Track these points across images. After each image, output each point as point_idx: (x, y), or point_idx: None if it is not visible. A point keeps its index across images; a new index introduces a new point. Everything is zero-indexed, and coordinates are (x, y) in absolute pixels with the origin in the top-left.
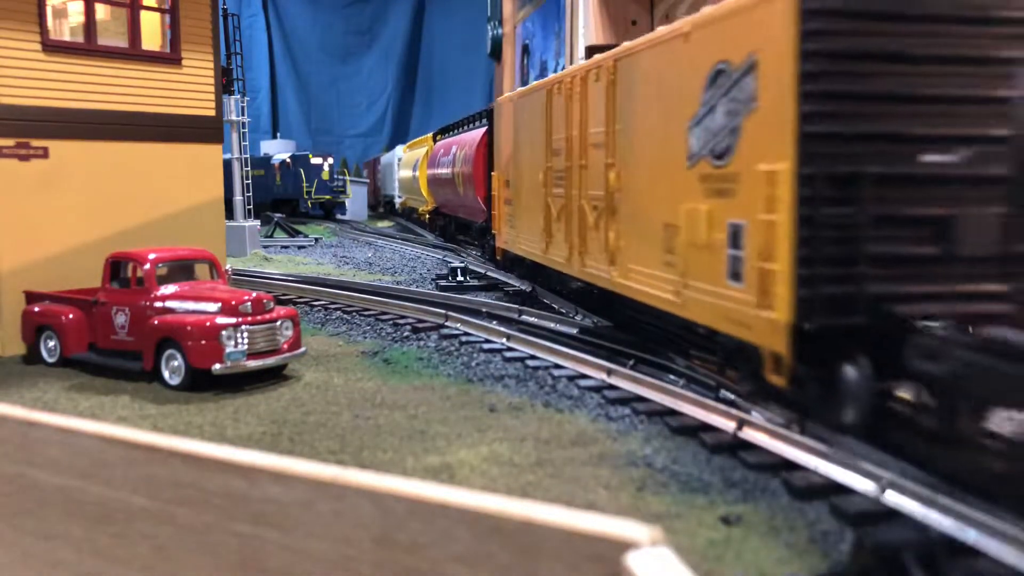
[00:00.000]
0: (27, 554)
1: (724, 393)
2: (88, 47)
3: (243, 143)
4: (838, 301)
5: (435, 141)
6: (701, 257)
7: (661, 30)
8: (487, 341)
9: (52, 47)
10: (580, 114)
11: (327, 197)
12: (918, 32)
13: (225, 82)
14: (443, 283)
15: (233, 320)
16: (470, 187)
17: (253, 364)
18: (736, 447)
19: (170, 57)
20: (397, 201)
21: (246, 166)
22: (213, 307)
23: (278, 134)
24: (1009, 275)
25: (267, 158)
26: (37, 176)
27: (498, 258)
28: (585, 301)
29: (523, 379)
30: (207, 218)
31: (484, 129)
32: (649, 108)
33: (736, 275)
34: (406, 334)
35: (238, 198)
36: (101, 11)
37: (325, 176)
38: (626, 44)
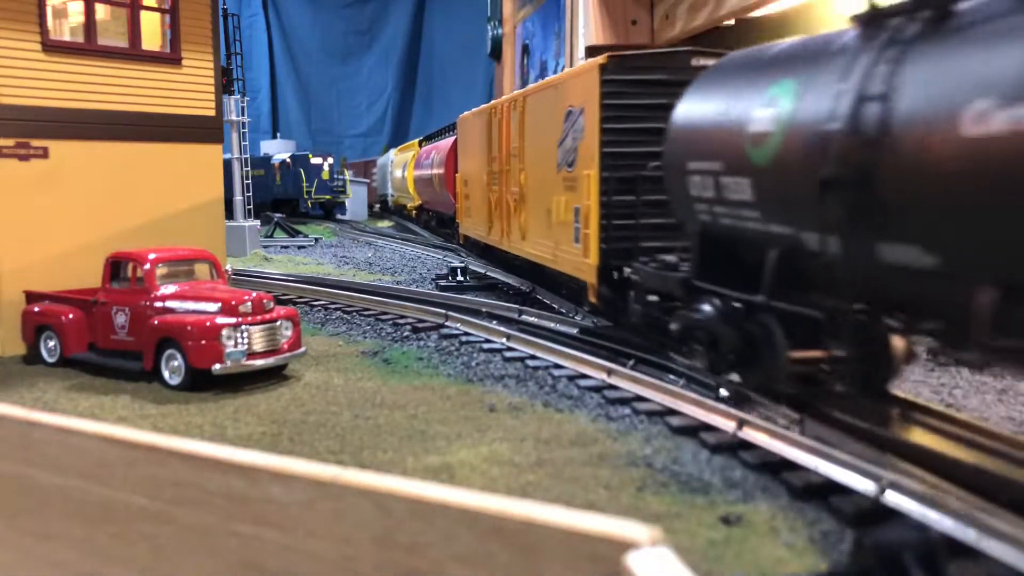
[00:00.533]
0: (27, 554)
1: (724, 393)
2: (88, 47)
3: (243, 143)
4: (623, 252)
5: (420, 147)
6: (562, 230)
7: (546, 80)
8: (487, 341)
9: (52, 47)
10: (506, 133)
11: (327, 197)
12: (645, 92)
13: (225, 82)
14: (443, 283)
15: (233, 320)
16: (444, 186)
17: (253, 364)
18: (736, 447)
19: (170, 57)
20: (390, 199)
21: (246, 166)
22: (213, 307)
23: (278, 134)
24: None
25: (267, 158)
26: (37, 176)
27: (461, 242)
28: (511, 268)
29: (523, 379)
30: (207, 218)
31: (454, 138)
32: (538, 132)
33: (576, 239)
34: (406, 334)
35: (238, 198)
36: (101, 11)
37: (325, 176)
38: (530, 87)
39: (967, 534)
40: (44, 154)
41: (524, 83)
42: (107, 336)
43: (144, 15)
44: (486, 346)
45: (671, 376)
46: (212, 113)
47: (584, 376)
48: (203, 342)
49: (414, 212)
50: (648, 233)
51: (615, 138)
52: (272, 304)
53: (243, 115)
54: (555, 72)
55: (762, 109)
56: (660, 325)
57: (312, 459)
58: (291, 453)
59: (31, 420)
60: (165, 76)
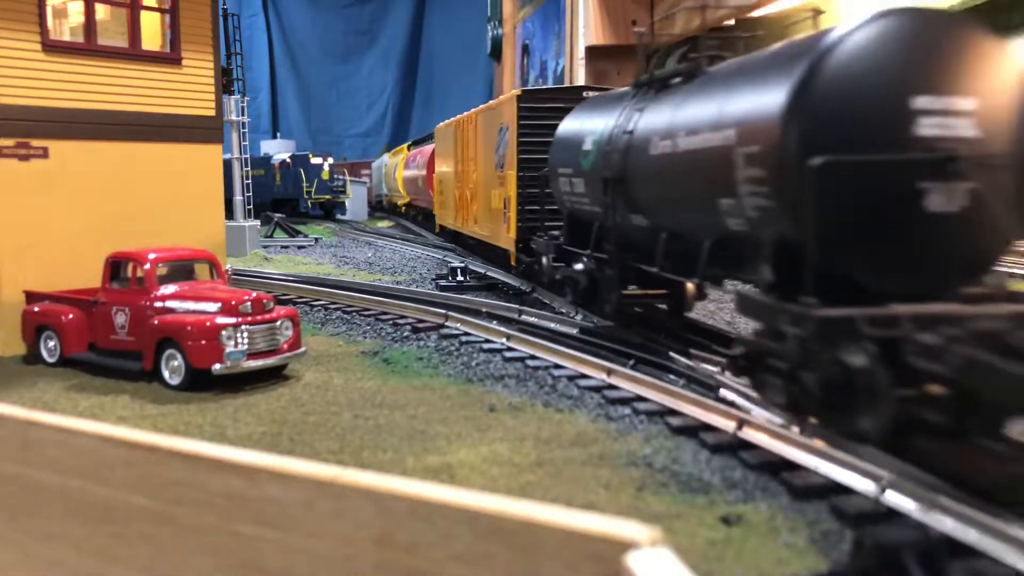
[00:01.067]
0: (27, 554)
1: (724, 393)
2: (88, 47)
3: (243, 143)
4: (531, 229)
5: (409, 151)
6: (497, 215)
7: (488, 104)
8: (487, 341)
9: (52, 47)
10: (465, 142)
11: (327, 197)
12: (549, 116)
13: (225, 82)
14: (443, 283)
15: (233, 320)
16: (426, 185)
17: (253, 364)
18: (736, 447)
19: (170, 57)
20: (384, 198)
21: (246, 166)
22: (213, 307)
23: (278, 134)
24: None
25: (267, 158)
26: (37, 176)
27: (437, 231)
28: (468, 247)
29: (523, 379)
30: (207, 218)
31: (434, 144)
32: (484, 142)
33: (504, 221)
34: (406, 334)
35: (238, 198)
36: (101, 11)
37: (325, 176)
38: (480, 107)
39: (967, 534)
40: (44, 154)
41: (524, 83)
42: (107, 336)
43: (144, 15)
44: (486, 346)
45: (671, 376)
46: (212, 113)
47: (584, 376)
48: (203, 342)
49: (403, 208)
50: (547, 216)
51: (527, 148)
52: (272, 304)
53: (243, 115)
54: (555, 72)
55: (588, 134)
56: (552, 277)
57: (312, 459)
58: (291, 453)
59: (31, 420)
60: (165, 76)
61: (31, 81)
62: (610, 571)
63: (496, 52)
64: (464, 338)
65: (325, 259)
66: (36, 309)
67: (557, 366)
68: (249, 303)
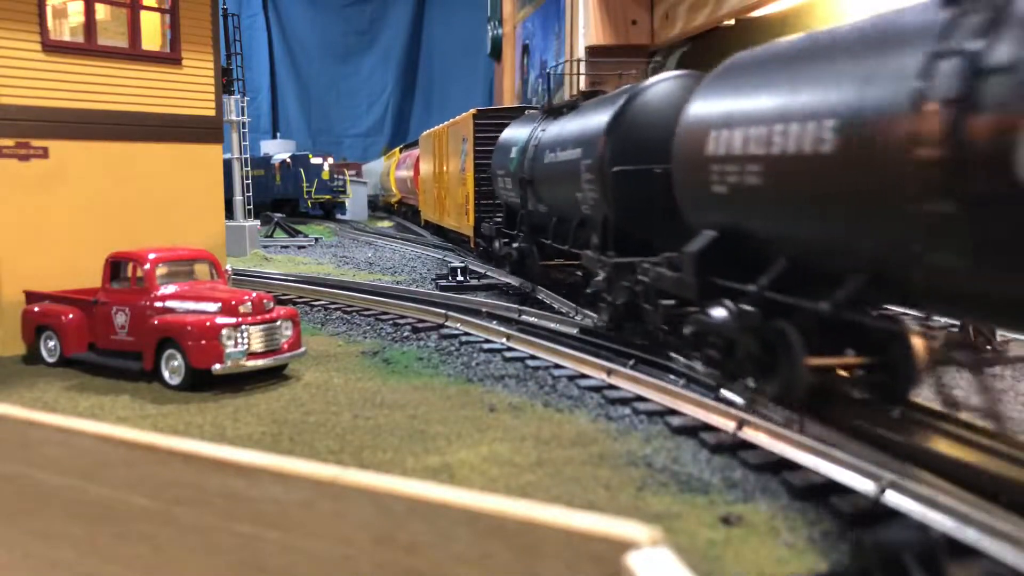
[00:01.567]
0: (27, 554)
1: (724, 393)
2: (88, 47)
3: (243, 143)
4: (484, 218)
5: (400, 153)
6: (460, 209)
7: (453, 120)
8: (487, 341)
9: (52, 47)
10: (440, 149)
11: (327, 197)
12: (492, 127)
13: (225, 82)
14: (443, 283)
15: (233, 320)
16: (414, 185)
17: (253, 364)
18: (736, 447)
19: (170, 57)
20: (379, 198)
21: (246, 166)
22: (213, 307)
23: (278, 134)
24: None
25: (267, 158)
26: (37, 176)
27: (423, 224)
28: (448, 238)
29: (523, 379)
30: (207, 218)
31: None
32: (453, 150)
33: (465, 213)
34: (406, 334)
35: (238, 198)
36: (101, 11)
37: (325, 176)
38: (448, 122)
39: (967, 534)
40: (44, 154)
41: (524, 83)
42: (107, 336)
43: (144, 15)
44: (486, 346)
45: (671, 376)
46: (212, 113)
47: (584, 376)
48: (203, 342)
49: (395, 205)
50: (495, 208)
51: (481, 155)
52: (272, 304)
53: (243, 115)
54: (555, 72)
55: (514, 144)
56: (499, 255)
57: (312, 459)
58: (291, 453)
59: (31, 420)
60: (165, 76)
61: (31, 81)
62: (610, 571)
63: (496, 52)
64: (464, 338)
65: (325, 259)
66: (36, 309)
67: (557, 366)
68: (249, 303)
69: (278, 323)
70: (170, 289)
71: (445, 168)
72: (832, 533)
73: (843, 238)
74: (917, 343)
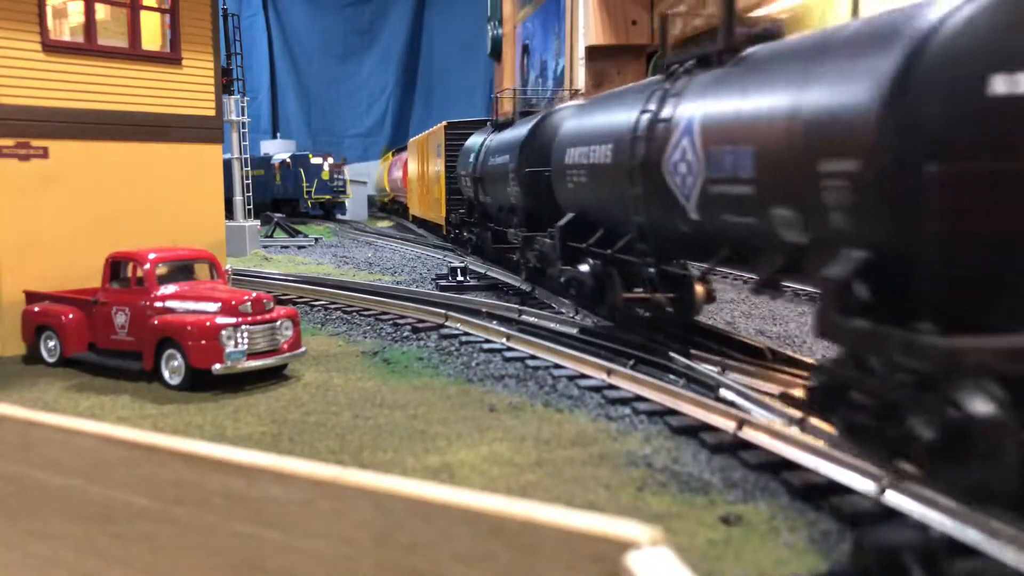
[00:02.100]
0: (27, 554)
1: (724, 393)
2: (88, 47)
3: (243, 143)
4: (455, 211)
5: (392, 156)
6: (436, 203)
7: (430, 130)
8: (487, 341)
9: (52, 47)
10: (422, 154)
11: (327, 197)
12: (460, 136)
13: (225, 82)
14: (443, 283)
15: (233, 320)
16: (402, 183)
17: (253, 364)
18: (736, 447)
19: (170, 57)
20: (375, 197)
21: (246, 166)
22: (213, 307)
23: (278, 134)
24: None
25: (267, 158)
26: (37, 176)
27: (411, 219)
28: (428, 228)
29: (523, 379)
30: (207, 218)
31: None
32: (431, 154)
33: (438, 205)
34: (406, 334)
35: (238, 198)
36: (101, 11)
37: (325, 176)
38: (427, 131)
39: (967, 534)
40: (44, 154)
41: (524, 83)
42: (107, 336)
43: (144, 15)
44: (486, 346)
45: (671, 376)
46: (212, 113)
47: (584, 376)
48: (203, 342)
49: (388, 203)
50: (461, 202)
51: (451, 160)
52: (272, 304)
53: (243, 115)
54: (555, 72)
55: (471, 149)
56: (466, 241)
57: (312, 459)
58: (291, 453)
59: (31, 420)
60: (165, 76)
61: (31, 81)
62: (610, 571)
63: (496, 52)
64: (464, 338)
65: (325, 259)
66: (36, 309)
67: (557, 366)
68: (249, 303)
69: (278, 323)
70: (170, 289)
71: (426, 170)
72: (832, 533)
73: (618, 213)
74: (698, 287)
